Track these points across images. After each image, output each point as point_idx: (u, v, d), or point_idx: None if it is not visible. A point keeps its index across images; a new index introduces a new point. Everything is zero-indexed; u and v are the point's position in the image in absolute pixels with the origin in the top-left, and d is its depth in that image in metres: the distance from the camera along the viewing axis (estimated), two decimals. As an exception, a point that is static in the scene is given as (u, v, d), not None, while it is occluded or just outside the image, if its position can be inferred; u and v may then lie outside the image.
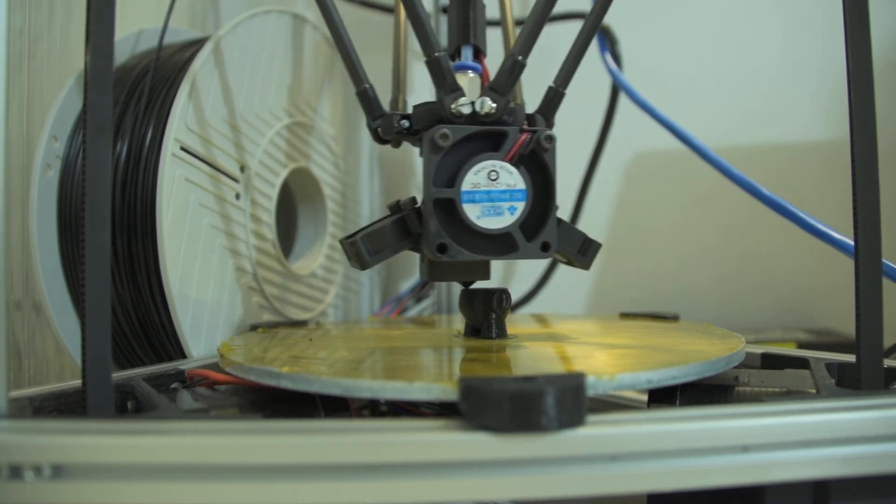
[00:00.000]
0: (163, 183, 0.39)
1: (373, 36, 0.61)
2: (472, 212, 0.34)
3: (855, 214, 0.28)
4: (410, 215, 0.35)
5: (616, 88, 0.60)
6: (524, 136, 0.34)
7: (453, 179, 0.34)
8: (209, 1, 0.70)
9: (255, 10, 0.47)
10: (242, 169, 0.45)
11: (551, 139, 0.34)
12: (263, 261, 0.47)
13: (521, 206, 0.34)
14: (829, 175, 0.66)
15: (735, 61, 0.68)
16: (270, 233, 0.48)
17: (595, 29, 0.39)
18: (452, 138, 0.34)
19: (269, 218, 0.48)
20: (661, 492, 0.23)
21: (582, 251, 0.37)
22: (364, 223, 0.62)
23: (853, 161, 0.28)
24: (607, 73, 0.58)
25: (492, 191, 0.34)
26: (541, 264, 0.64)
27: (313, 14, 0.54)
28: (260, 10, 0.48)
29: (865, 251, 0.28)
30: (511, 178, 0.34)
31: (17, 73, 0.48)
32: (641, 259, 0.69)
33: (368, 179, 0.63)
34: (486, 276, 0.39)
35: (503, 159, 0.34)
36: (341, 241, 0.36)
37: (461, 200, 0.34)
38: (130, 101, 0.43)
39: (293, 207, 0.56)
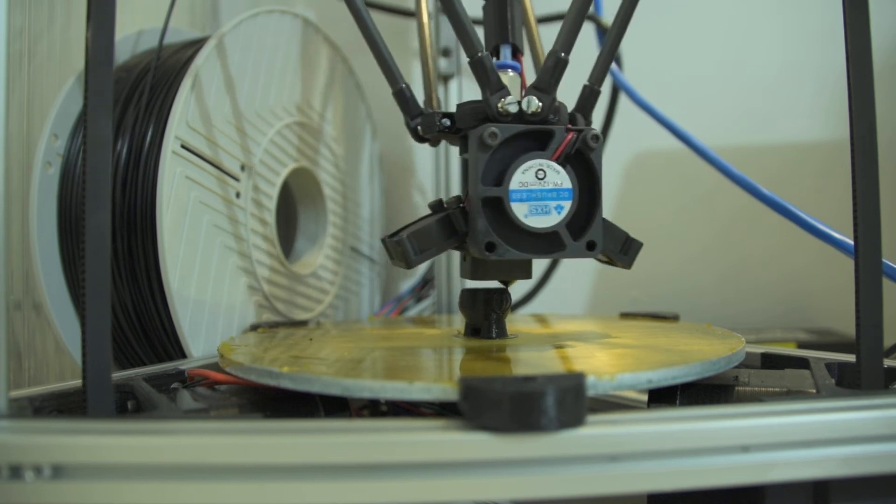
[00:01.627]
0: (163, 180, 0.39)
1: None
2: (520, 210, 0.33)
3: (855, 214, 0.28)
4: (455, 214, 0.35)
5: (616, 88, 0.60)
6: (571, 135, 0.34)
7: (501, 178, 0.33)
8: (209, 1, 0.70)
9: (258, 10, 0.47)
10: (243, 168, 0.45)
11: (597, 138, 0.34)
12: (264, 260, 0.47)
13: (567, 205, 0.34)
14: (829, 175, 0.66)
15: (735, 61, 0.68)
16: (271, 232, 0.48)
17: (627, 24, 0.38)
18: (501, 137, 0.33)
19: (270, 217, 0.48)
20: (661, 492, 0.23)
21: (624, 250, 0.37)
22: (364, 224, 0.63)
23: (853, 161, 0.28)
24: (607, 73, 0.58)
25: (539, 190, 0.33)
26: (541, 265, 0.64)
27: (314, 15, 0.54)
28: (262, 10, 0.48)
29: (865, 251, 0.28)
30: (558, 177, 0.34)
31: (17, 73, 0.48)
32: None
33: (369, 180, 0.63)
34: (528, 275, 0.39)
35: (550, 158, 0.34)
36: (383, 240, 0.36)
37: (509, 199, 0.33)
38: (131, 99, 0.43)
39: (294, 207, 0.56)
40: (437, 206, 0.36)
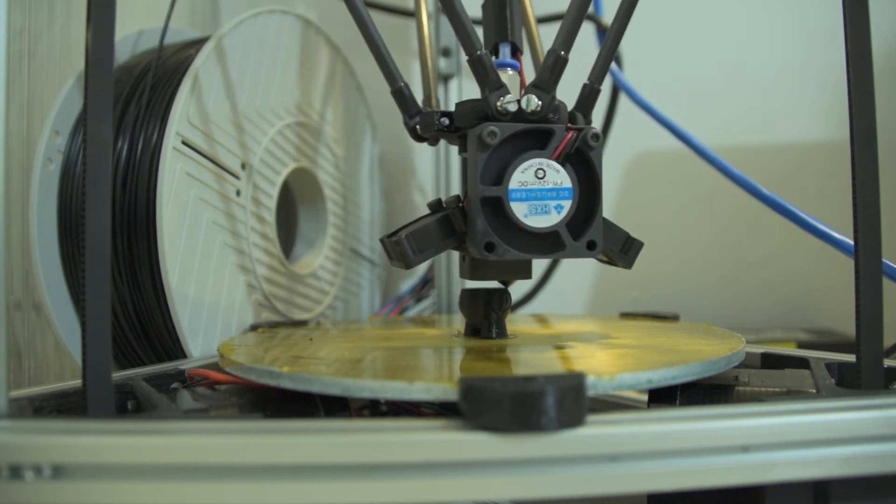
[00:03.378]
0: (163, 176, 0.39)
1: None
2: (520, 210, 0.33)
3: (855, 214, 0.28)
4: (455, 213, 0.35)
5: (616, 88, 0.60)
6: (570, 134, 0.34)
7: (500, 177, 0.33)
8: (209, 1, 0.70)
9: (259, 10, 0.47)
10: (244, 166, 0.45)
11: (598, 137, 0.34)
12: (263, 259, 0.47)
13: (567, 205, 0.34)
14: (829, 175, 0.66)
15: (735, 61, 0.68)
16: (271, 231, 0.48)
17: (627, 23, 0.38)
18: (500, 136, 0.33)
19: (270, 216, 0.48)
20: (661, 492, 0.23)
21: (624, 250, 0.37)
22: (365, 226, 0.63)
23: (853, 161, 0.28)
24: (607, 73, 0.58)
25: (539, 189, 0.33)
26: (541, 265, 0.64)
27: (315, 16, 0.54)
28: (264, 10, 0.48)
29: (865, 251, 0.28)
30: (558, 176, 0.33)
31: (17, 73, 0.48)
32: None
33: (369, 182, 0.63)
34: (528, 275, 0.38)
35: (550, 157, 0.33)
36: (382, 240, 0.36)
37: (509, 198, 0.33)
38: (132, 98, 0.43)
39: (294, 208, 0.56)
40: (436, 206, 0.36)
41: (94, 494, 0.22)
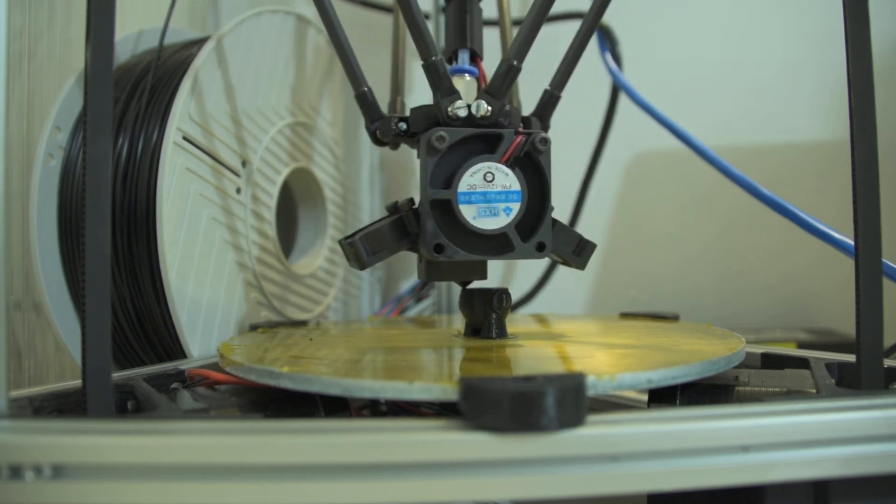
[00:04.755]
0: (164, 172, 0.39)
1: (374, 36, 0.61)
2: (469, 212, 0.34)
3: (855, 214, 0.28)
4: (408, 216, 0.36)
5: (616, 88, 0.60)
6: (519, 139, 0.35)
7: (450, 181, 0.34)
8: (209, 1, 0.70)
9: (260, 9, 0.47)
10: (244, 164, 0.45)
11: (546, 141, 0.35)
12: (263, 257, 0.47)
13: (516, 207, 0.35)
14: (829, 175, 0.66)
15: (735, 61, 0.68)
16: (271, 230, 0.48)
17: (591, 33, 0.39)
18: (449, 140, 0.34)
19: (270, 215, 0.48)
20: (661, 492, 0.23)
21: (577, 251, 0.37)
22: (365, 224, 0.63)
23: (853, 161, 0.28)
24: (607, 73, 0.58)
25: (488, 192, 0.34)
26: (541, 264, 0.64)
27: (315, 15, 0.54)
28: (264, 10, 0.48)
29: (865, 251, 0.28)
30: (506, 179, 0.34)
31: (17, 73, 0.48)
32: (641, 259, 0.69)
33: (369, 182, 0.63)
34: (483, 276, 0.39)
35: (499, 161, 0.34)
36: (340, 242, 0.37)
37: (458, 201, 0.34)
38: (133, 97, 0.43)
39: (294, 208, 0.56)
40: (392, 209, 0.36)
41: (94, 494, 0.22)
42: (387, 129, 0.38)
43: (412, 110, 0.38)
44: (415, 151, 0.70)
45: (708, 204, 0.68)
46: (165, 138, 0.39)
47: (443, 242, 0.34)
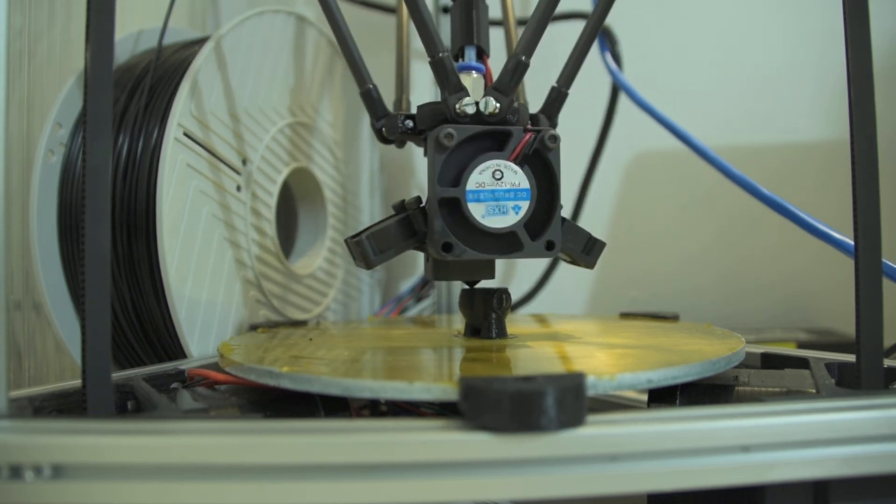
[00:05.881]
0: (164, 168, 0.39)
1: (374, 35, 0.61)
2: (477, 211, 0.34)
3: (855, 214, 0.28)
4: (415, 214, 0.35)
5: (616, 88, 0.60)
6: (528, 136, 0.34)
7: (458, 179, 0.34)
8: (209, 1, 0.70)
9: (260, 9, 0.47)
10: (244, 162, 0.45)
11: (555, 139, 0.34)
12: (262, 256, 0.47)
13: (525, 206, 0.34)
14: (829, 175, 0.66)
15: (735, 61, 0.68)
16: (270, 228, 0.48)
17: (598, 29, 0.39)
18: (457, 138, 0.34)
19: (270, 214, 0.48)
20: (661, 492, 0.23)
21: (586, 250, 0.37)
22: (364, 225, 0.63)
23: (853, 161, 0.28)
24: (607, 73, 0.58)
25: (496, 190, 0.34)
26: (541, 264, 0.64)
27: (315, 15, 0.54)
28: (265, 10, 0.48)
29: (865, 251, 0.28)
30: (515, 177, 0.34)
31: (17, 73, 0.48)
32: (641, 259, 0.69)
33: (369, 184, 0.63)
34: (491, 276, 0.39)
35: (507, 159, 0.34)
36: (346, 241, 0.36)
37: (466, 199, 0.34)
38: (133, 96, 0.43)
39: (294, 208, 0.56)
40: (399, 208, 0.36)
41: (94, 494, 0.22)
42: (393, 126, 0.38)
43: (419, 107, 0.37)
44: (415, 152, 0.70)
45: (708, 204, 0.68)
46: (166, 134, 0.39)
47: (451, 241, 0.34)
